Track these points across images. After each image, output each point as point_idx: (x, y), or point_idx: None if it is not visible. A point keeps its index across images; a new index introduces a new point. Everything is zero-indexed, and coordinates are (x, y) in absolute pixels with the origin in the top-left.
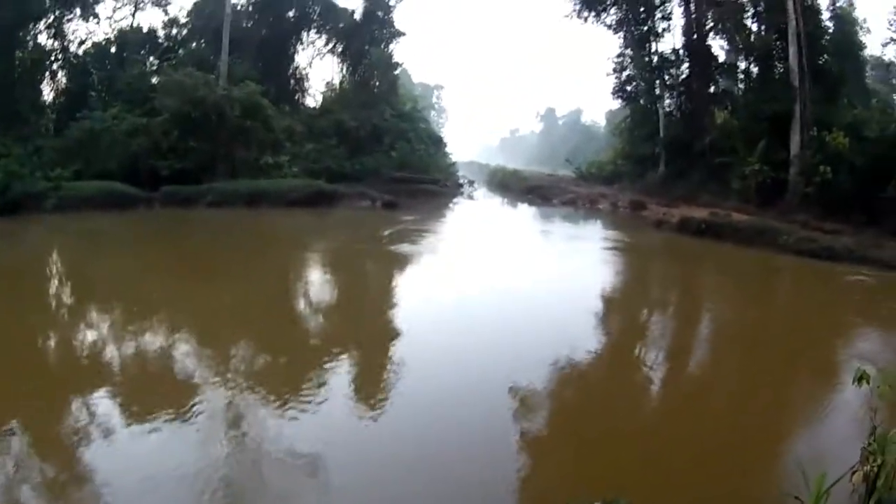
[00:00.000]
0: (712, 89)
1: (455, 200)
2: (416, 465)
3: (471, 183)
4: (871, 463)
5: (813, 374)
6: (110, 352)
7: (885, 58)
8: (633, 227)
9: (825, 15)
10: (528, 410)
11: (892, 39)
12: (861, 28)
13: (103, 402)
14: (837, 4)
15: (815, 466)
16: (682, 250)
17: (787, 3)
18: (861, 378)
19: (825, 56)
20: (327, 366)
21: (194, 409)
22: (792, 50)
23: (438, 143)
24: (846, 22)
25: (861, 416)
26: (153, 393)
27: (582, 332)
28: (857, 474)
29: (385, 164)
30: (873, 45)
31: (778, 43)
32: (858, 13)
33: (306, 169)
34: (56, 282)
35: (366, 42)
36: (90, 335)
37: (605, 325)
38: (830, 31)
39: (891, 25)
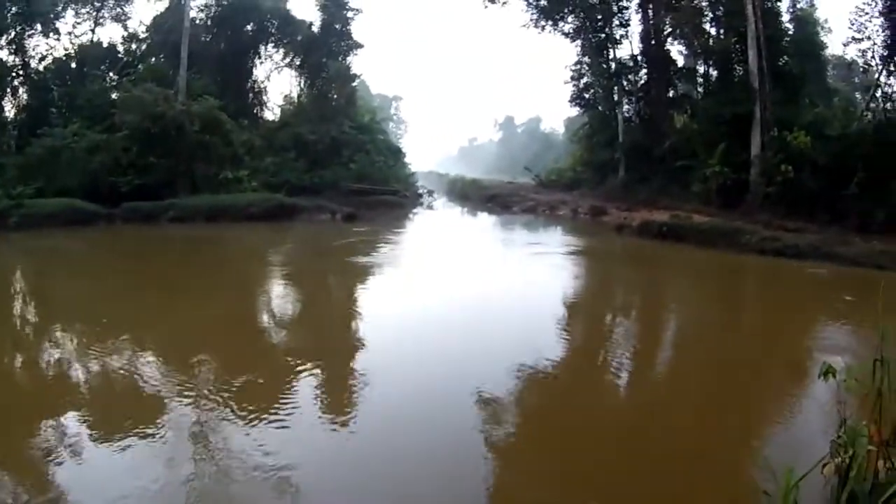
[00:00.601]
0: (671, 94)
1: (415, 211)
2: (385, 477)
3: (430, 193)
4: (842, 455)
5: (781, 370)
6: (75, 372)
7: (847, 57)
8: (594, 232)
9: (785, 17)
10: (495, 418)
11: (853, 39)
12: (822, 28)
13: (69, 423)
14: (798, 6)
15: (785, 461)
16: (644, 253)
17: (746, 6)
18: (827, 372)
19: (785, 57)
20: (293, 381)
21: (162, 427)
22: (751, 53)
23: (397, 154)
24: (807, 23)
25: (829, 410)
26: (119, 412)
27: (547, 338)
28: (828, 466)
29: (344, 176)
30: (835, 44)
31: (737, 46)
32: (819, 13)
33: (266, 183)
34: (20, 301)
35: (324, 55)
36: (55, 355)
37: (570, 330)
38: (791, 32)
39: (852, 25)
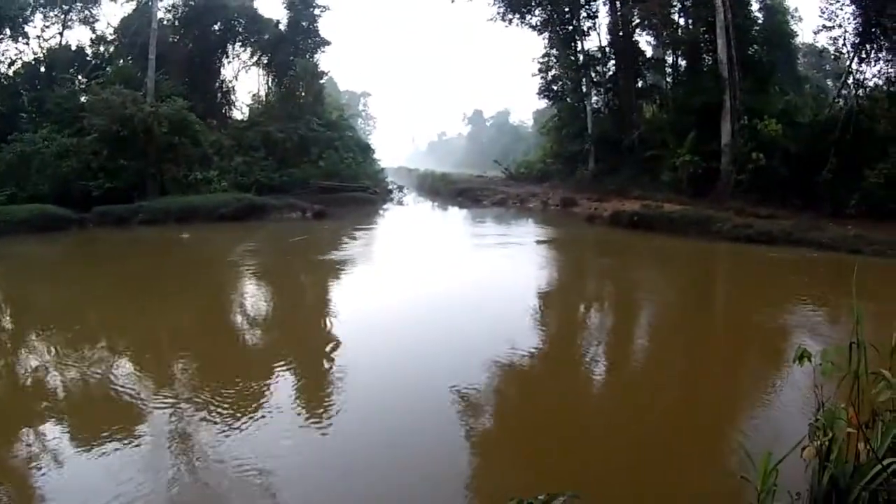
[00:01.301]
0: (640, 84)
1: (385, 207)
2: (363, 473)
3: (400, 189)
4: (820, 438)
5: (757, 355)
6: (51, 378)
7: (818, 45)
8: (565, 223)
9: (755, 6)
10: (470, 411)
11: (823, 27)
12: (792, 17)
13: (48, 429)
14: None
15: (764, 446)
16: (616, 243)
17: None
18: (802, 356)
19: (755, 46)
20: (268, 380)
21: (140, 431)
22: (720, 42)
23: (366, 150)
24: (776, 11)
25: (805, 394)
26: (95, 417)
27: (522, 329)
28: (808, 450)
29: (313, 174)
30: (805, 33)
31: (706, 36)
32: (789, 2)
33: (235, 183)
34: None
35: (291, 53)
36: (31, 362)
37: (544, 321)
38: (760, 21)
39: (823, 13)
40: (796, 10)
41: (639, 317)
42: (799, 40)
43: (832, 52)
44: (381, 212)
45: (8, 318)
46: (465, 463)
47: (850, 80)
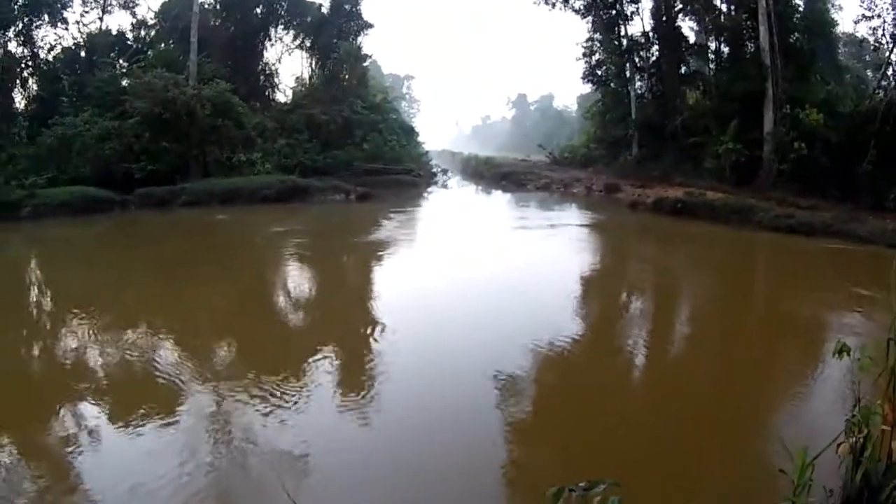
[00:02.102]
0: (683, 70)
1: (429, 190)
2: (404, 458)
3: (444, 172)
4: (856, 434)
5: (794, 347)
6: (96, 358)
7: (858, 34)
8: (609, 209)
9: None
10: (512, 397)
11: (863, 16)
12: (833, 6)
13: (92, 408)
14: None
15: (801, 439)
16: (658, 230)
17: None
18: (841, 351)
19: (796, 34)
20: (311, 363)
21: (180, 413)
22: (762, 29)
23: (410, 133)
24: (818, 0)
25: (843, 389)
26: (136, 399)
27: (563, 315)
28: (842, 446)
29: (357, 156)
30: (845, 22)
31: (748, 22)
32: None
33: (279, 165)
34: (35, 291)
35: (334, 35)
36: (74, 343)
37: (585, 307)
38: (801, 9)
39: (863, 2)
40: None
41: (679, 305)
42: (839, 29)
43: (872, 42)
44: (424, 195)
45: (47, 299)
46: (505, 449)
47: (890, 71)
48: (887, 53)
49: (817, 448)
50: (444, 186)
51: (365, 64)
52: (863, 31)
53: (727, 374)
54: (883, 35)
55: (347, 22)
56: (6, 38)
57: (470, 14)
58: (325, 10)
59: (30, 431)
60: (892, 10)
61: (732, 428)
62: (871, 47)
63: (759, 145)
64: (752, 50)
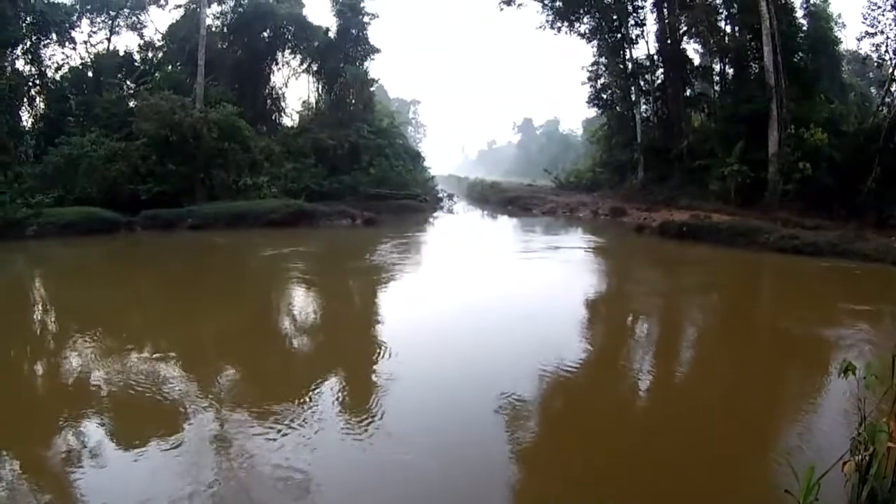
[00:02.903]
0: (688, 93)
1: (435, 215)
2: (410, 481)
3: (450, 196)
4: (861, 453)
5: (800, 367)
6: (99, 380)
7: (861, 52)
8: (615, 233)
9: (799, 13)
10: (522, 418)
11: (867, 34)
12: (836, 24)
13: (96, 429)
14: (811, 1)
15: (807, 458)
16: (663, 254)
17: (759, 3)
18: (847, 370)
19: (800, 53)
20: (317, 386)
21: (184, 434)
22: (766, 49)
23: (416, 158)
24: (820, 18)
25: (848, 408)
26: (139, 420)
27: (569, 339)
28: (848, 465)
29: (364, 181)
30: (849, 39)
31: (752, 43)
32: (833, 9)
33: (285, 189)
34: (43, 311)
35: (340, 60)
36: (81, 365)
37: (592, 330)
38: (804, 28)
39: (865, 19)
40: (840, 16)
41: (683, 327)
42: (843, 47)
43: (875, 59)
44: (431, 220)
45: (51, 319)
46: (510, 469)
47: (894, 88)
48: (891, 70)
49: (823, 467)
50: (450, 211)
51: (371, 88)
52: (866, 48)
53: (732, 395)
54: (886, 52)
55: (354, 46)
56: (14, 57)
57: (476, 40)
58: (331, 34)
59: (32, 450)
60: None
61: (739, 449)
62: (875, 64)
63: (764, 166)
64: (757, 70)
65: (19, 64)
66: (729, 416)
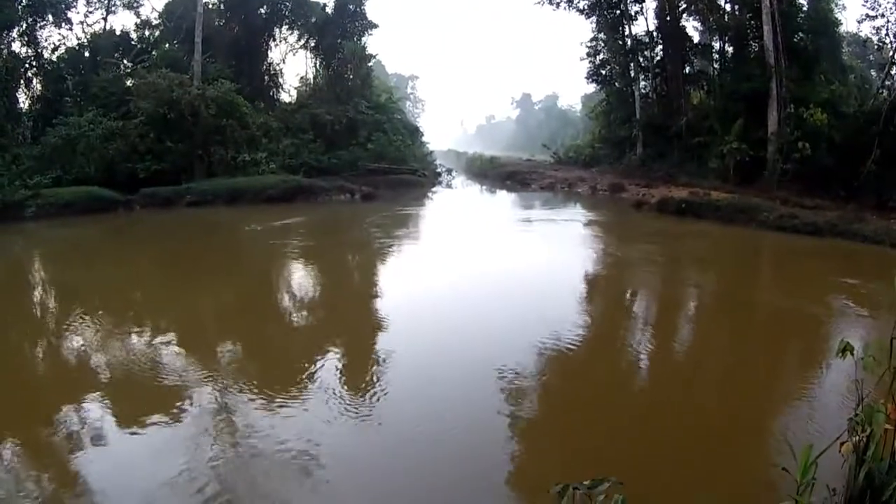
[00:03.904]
0: (687, 70)
1: (434, 190)
2: (409, 457)
3: (449, 171)
4: (859, 433)
5: (798, 347)
6: (101, 358)
7: (862, 34)
8: (613, 209)
9: None
10: (516, 393)
11: (867, 16)
12: (836, 5)
13: (97, 408)
14: None
15: (804, 438)
16: (662, 230)
17: None
18: (845, 350)
19: (800, 34)
20: (315, 362)
21: (185, 412)
22: (766, 28)
23: (415, 133)
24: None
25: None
26: (141, 398)
27: (567, 313)
28: (845, 445)
29: (362, 156)
30: (849, 21)
31: (752, 22)
32: None
33: (284, 165)
34: (43, 292)
35: (338, 36)
36: (75, 343)
37: (590, 305)
38: (805, 8)
39: (866, 2)
40: None
41: (681, 304)
42: (843, 29)
43: (875, 41)
44: (429, 194)
45: (51, 299)
46: (509, 447)
47: (894, 71)
48: (891, 53)
49: (821, 447)
50: (449, 186)
51: (369, 64)
52: (866, 30)
53: (731, 372)
54: (887, 34)
55: (352, 22)
56: (10, 39)
57: (474, 14)
58: (329, 10)
59: (35, 429)
60: None
61: (737, 426)
62: (875, 47)
63: (763, 145)
64: (756, 50)
65: (15, 46)
66: (725, 394)
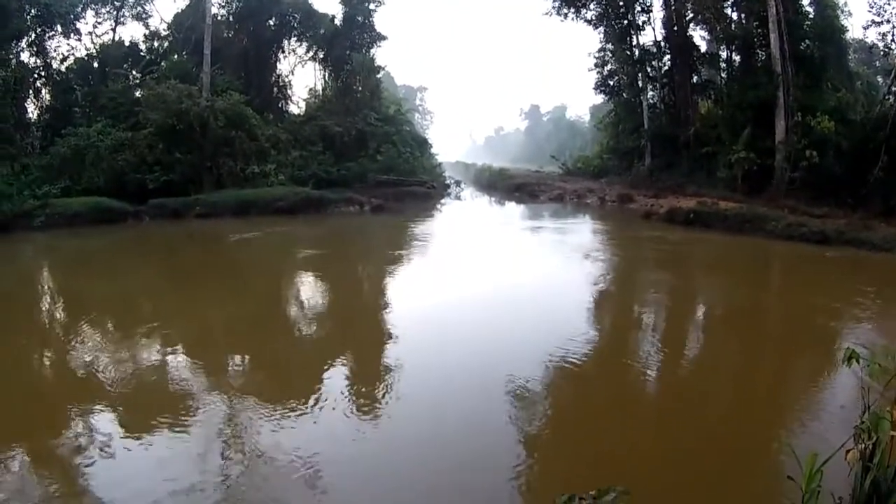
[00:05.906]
0: (695, 80)
1: (443, 202)
2: (417, 468)
3: (458, 183)
4: (865, 441)
5: (807, 357)
6: (110, 368)
7: (868, 40)
8: (622, 220)
9: (805, 0)
10: (528, 403)
11: (873, 22)
12: (842, 12)
13: (105, 418)
14: None
15: (810, 446)
16: (671, 240)
17: None
18: (851, 358)
19: (806, 41)
20: (325, 373)
21: (193, 420)
22: (773, 37)
23: (424, 144)
24: (827, 6)
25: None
26: (148, 406)
27: (577, 325)
28: (851, 453)
29: (371, 168)
30: (855, 28)
31: (759, 30)
32: None
33: (293, 176)
34: (51, 301)
35: (347, 47)
36: (81, 353)
37: (599, 316)
38: (811, 16)
39: (871, 8)
40: (846, 4)
41: (689, 315)
42: (849, 36)
43: (881, 47)
44: (438, 206)
45: (58, 308)
46: (518, 455)
47: None
48: None
49: (826, 455)
50: (458, 198)
51: (378, 75)
52: (872, 36)
53: (739, 383)
54: (893, 41)
55: (360, 34)
56: (19, 49)
57: (482, 26)
58: (337, 22)
59: (44, 437)
60: None
61: (745, 436)
62: (881, 53)
63: (771, 154)
64: (763, 58)
65: (24, 56)
66: (732, 404)
